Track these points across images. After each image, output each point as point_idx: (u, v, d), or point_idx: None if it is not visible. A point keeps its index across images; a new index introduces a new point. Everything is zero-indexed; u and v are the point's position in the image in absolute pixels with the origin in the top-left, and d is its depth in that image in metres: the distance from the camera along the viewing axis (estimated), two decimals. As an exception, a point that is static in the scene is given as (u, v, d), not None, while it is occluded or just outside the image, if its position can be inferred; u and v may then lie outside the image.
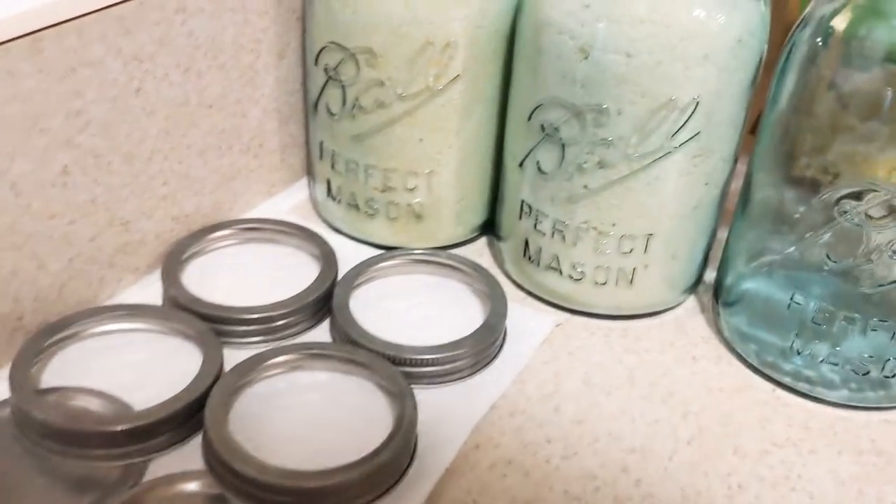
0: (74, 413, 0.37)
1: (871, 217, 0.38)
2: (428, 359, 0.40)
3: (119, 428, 0.35)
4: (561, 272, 0.45)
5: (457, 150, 0.47)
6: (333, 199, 0.50)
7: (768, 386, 0.43)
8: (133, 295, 0.45)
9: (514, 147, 0.45)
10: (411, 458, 0.37)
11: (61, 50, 0.38)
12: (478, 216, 0.50)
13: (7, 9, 0.36)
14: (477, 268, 0.46)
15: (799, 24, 0.39)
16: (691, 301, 0.48)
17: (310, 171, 0.53)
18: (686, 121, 0.40)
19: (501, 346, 0.44)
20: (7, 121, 0.37)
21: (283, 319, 0.42)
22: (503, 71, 0.46)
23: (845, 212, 0.38)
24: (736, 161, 0.44)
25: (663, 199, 0.42)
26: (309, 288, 0.44)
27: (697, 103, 0.39)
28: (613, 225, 0.43)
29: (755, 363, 0.43)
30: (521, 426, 0.40)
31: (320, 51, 0.46)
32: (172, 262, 0.45)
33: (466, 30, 0.43)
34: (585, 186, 0.42)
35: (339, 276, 0.45)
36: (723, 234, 0.46)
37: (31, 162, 0.38)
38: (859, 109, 0.37)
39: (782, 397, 0.42)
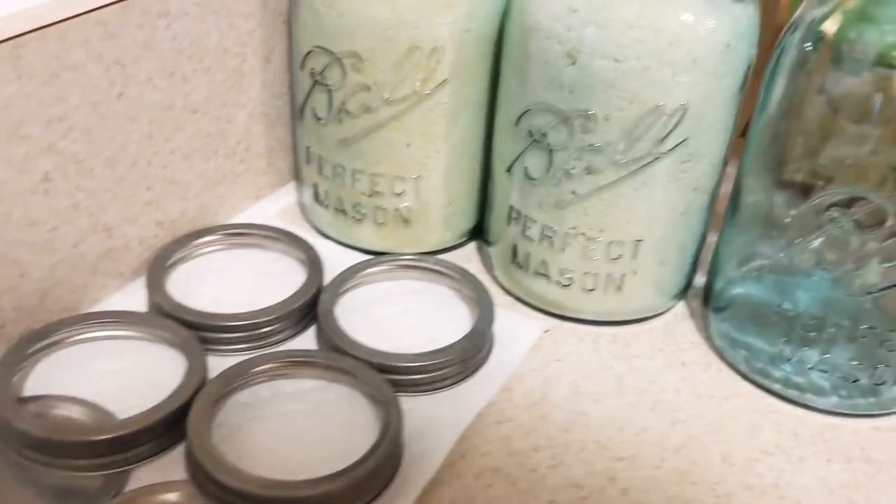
0: (56, 423, 0.37)
1: (860, 224, 0.37)
2: (414, 366, 0.40)
3: (101, 437, 0.35)
4: (549, 278, 0.45)
5: (444, 154, 0.46)
6: (321, 203, 0.49)
7: (758, 392, 0.43)
8: (117, 302, 0.44)
9: (503, 152, 0.45)
10: (397, 467, 0.37)
11: (42, 55, 0.37)
12: (466, 221, 0.50)
13: (-14, 14, 0.35)
14: (465, 273, 0.46)
15: (788, 29, 0.39)
16: (680, 307, 0.48)
17: (297, 176, 0.53)
18: (674, 126, 0.39)
19: (489, 352, 0.43)
20: (-13, 127, 0.36)
21: (268, 327, 0.42)
22: (491, 75, 0.45)
23: (834, 218, 0.38)
24: (725, 165, 0.43)
25: (652, 205, 0.41)
26: (294, 294, 0.43)
27: (686, 109, 0.39)
28: (602, 231, 0.42)
29: (745, 370, 0.43)
30: (508, 434, 0.39)
31: (306, 55, 0.45)
32: (157, 269, 0.44)
33: (453, 34, 0.43)
34: (573, 192, 0.42)
35: (326, 282, 0.45)
36: (712, 239, 0.45)
37: (11, 169, 0.38)
38: (849, 113, 0.37)
39: (772, 404, 0.42)
